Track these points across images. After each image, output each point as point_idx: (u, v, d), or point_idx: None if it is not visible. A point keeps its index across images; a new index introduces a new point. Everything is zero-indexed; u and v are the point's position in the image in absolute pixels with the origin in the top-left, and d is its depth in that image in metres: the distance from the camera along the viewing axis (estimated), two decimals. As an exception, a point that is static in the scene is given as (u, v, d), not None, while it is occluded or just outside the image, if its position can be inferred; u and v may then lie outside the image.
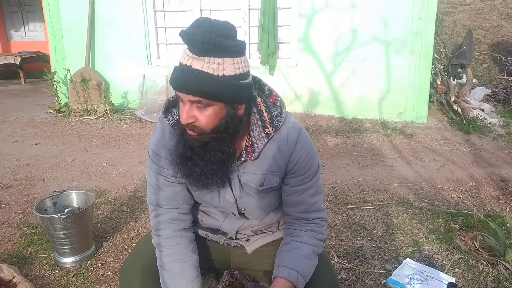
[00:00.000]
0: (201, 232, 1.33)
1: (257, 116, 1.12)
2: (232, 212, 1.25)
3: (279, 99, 1.17)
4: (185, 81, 0.97)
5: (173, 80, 0.99)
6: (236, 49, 0.98)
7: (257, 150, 1.12)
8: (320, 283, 1.19)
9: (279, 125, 1.12)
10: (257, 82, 1.18)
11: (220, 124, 1.03)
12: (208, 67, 0.96)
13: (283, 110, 1.15)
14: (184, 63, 0.98)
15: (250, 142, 1.13)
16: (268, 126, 1.11)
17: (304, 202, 1.21)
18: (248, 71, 1.04)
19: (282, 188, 1.22)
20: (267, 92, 1.17)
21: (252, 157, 1.12)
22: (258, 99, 1.12)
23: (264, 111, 1.11)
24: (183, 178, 1.15)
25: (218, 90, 0.97)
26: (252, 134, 1.12)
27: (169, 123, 1.15)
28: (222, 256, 1.36)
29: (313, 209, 1.22)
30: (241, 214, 1.26)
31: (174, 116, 1.15)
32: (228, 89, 0.98)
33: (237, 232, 1.30)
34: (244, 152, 1.13)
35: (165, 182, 1.21)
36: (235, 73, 0.99)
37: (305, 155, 1.15)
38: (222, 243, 1.34)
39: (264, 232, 1.32)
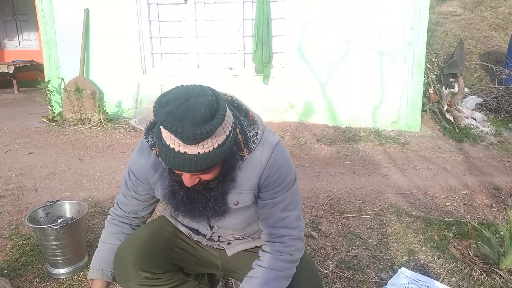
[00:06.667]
0: (184, 230, 1.40)
1: None
2: (205, 228, 1.32)
3: (256, 119, 1.17)
4: (184, 166, 0.96)
5: (169, 165, 0.98)
6: (221, 119, 0.94)
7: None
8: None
9: (254, 147, 1.13)
10: (234, 101, 1.18)
11: (223, 170, 1.08)
12: (204, 146, 0.94)
13: (259, 131, 1.15)
14: (176, 150, 0.95)
15: None
16: (243, 147, 1.12)
17: (272, 216, 1.19)
18: (232, 121, 1.03)
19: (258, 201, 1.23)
20: (243, 113, 1.18)
21: None
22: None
23: (238, 133, 1.11)
24: (175, 211, 1.20)
25: (218, 159, 0.98)
26: None
27: (148, 144, 1.20)
28: (209, 256, 1.43)
29: (280, 225, 1.19)
30: (212, 227, 1.31)
31: (155, 138, 1.16)
32: (225, 151, 0.99)
33: (219, 236, 1.35)
34: None
35: (134, 195, 1.31)
36: (226, 135, 0.99)
37: (276, 169, 1.15)
38: (205, 244, 1.40)
39: (245, 238, 1.37)
